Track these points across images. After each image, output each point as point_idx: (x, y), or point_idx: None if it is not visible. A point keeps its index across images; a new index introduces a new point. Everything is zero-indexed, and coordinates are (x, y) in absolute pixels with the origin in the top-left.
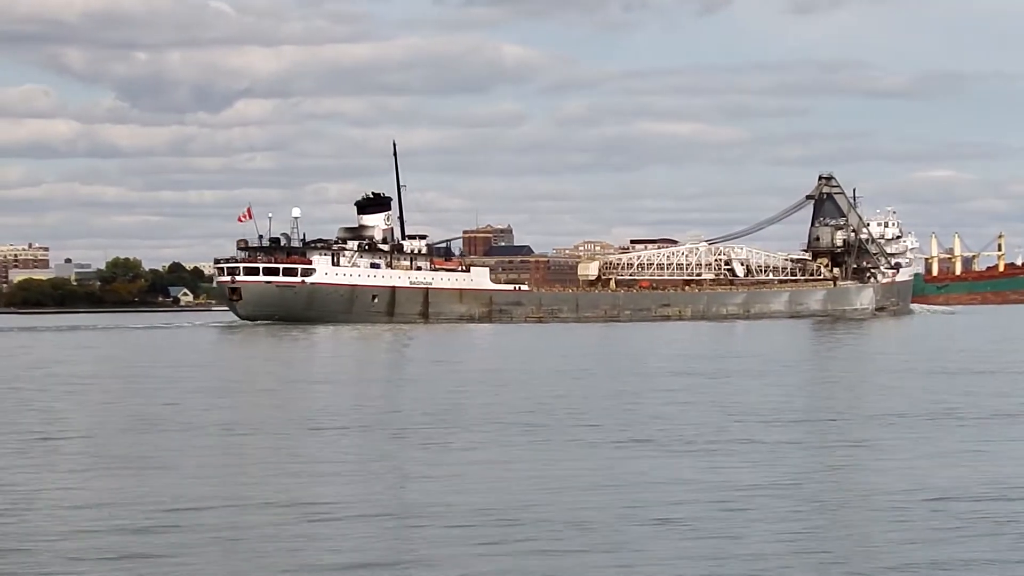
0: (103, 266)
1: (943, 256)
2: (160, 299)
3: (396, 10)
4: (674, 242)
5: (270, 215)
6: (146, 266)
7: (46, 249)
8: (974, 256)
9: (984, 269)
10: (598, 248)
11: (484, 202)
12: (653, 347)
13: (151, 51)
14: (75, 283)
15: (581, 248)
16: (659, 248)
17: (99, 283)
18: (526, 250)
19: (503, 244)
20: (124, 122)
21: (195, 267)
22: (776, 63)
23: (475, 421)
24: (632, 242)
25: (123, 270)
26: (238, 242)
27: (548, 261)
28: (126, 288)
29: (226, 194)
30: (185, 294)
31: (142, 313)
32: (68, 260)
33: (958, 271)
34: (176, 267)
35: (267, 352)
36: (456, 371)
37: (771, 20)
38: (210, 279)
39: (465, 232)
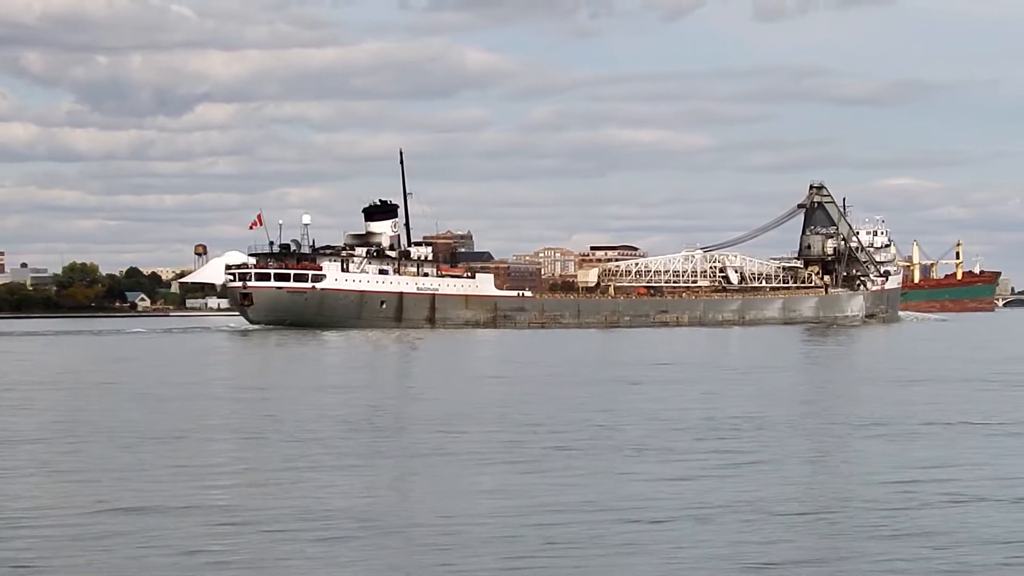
0: (60, 271)
1: (902, 264)
2: (117, 304)
3: (362, 15)
4: (635, 249)
5: (280, 222)
6: (103, 271)
7: (1, 254)
8: (932, 264)
9: (943, 277)
10: (559, 255)
11: (449, 207)
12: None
13: (111, 54)
14: (31, 288)
15: (541, 254)
16: (621, 255)
17: (55, 288)
18: (486, 256)
19: (463, 250)
20: (83, 126)
21: (152, 272)
22: (743, 70)
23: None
24: (592, 248)
25: (80, 275)
26: (196, 247)
27: (508, 267)
28: (83, 293)
29: (186, 199)
30: (142, 299)
31: (100, 318)
32: (24, 265)
33: (916, 279)
34: (133, 272)
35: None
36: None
37: (738, 27)
38: (168, 284)
39: (425, 238)
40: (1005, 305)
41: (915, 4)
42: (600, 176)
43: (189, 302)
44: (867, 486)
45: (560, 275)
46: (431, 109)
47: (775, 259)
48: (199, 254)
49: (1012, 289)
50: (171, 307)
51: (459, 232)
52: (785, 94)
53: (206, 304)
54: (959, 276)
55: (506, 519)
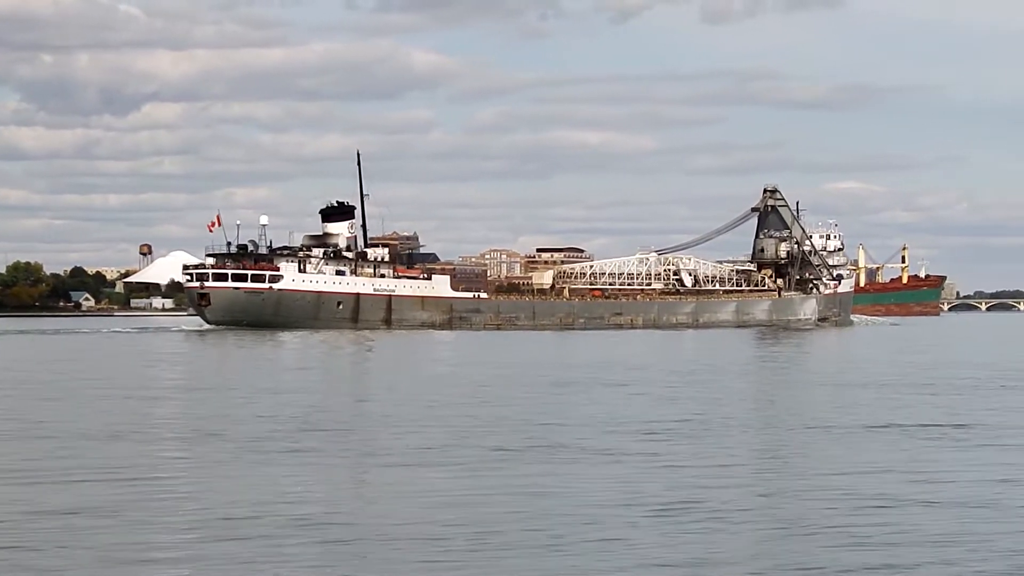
0: (3, 270)
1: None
2: (61, 304)
3: (310, 16)
4: (581, 251)
5: (238, 222)
6: (48, 270)
7: None
8: (878, 268)
9: (888, 281)
10: (504, 256)
11: (395, 209)
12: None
13: (58, 53)
14: None
15: (487, 256)
16: (568, 257)
17: None
18: (432, 257)
19: (409, 251)
20: (29, 124)
21: (97, 271)
22: (690, 73)
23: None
24: (539, 250)
25: (24, 274)
26: (141, 247)
27: (455, 269)
28: (27, 292)
29: (131, 198)
30: (87, 299)
31: (45, 317)
32: None
33: (862, 283)
34: (78, 271)
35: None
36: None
37: (686, 30)
38: (112, 284)
39: (372, 239)
40: (950, 309)
41: (863, 8)
42: (546, 178)
43: (134, 302)
44: (806, 487)
45: (506, 277)
46: (378, 110)
47: (728, 262)
48: (144, 254)
49: (957, 293)
50: (115, 307)
51: (405, 233)
52: (732, 97)
53: (151, 304)
54: (905, 280)
55: (437, 519)
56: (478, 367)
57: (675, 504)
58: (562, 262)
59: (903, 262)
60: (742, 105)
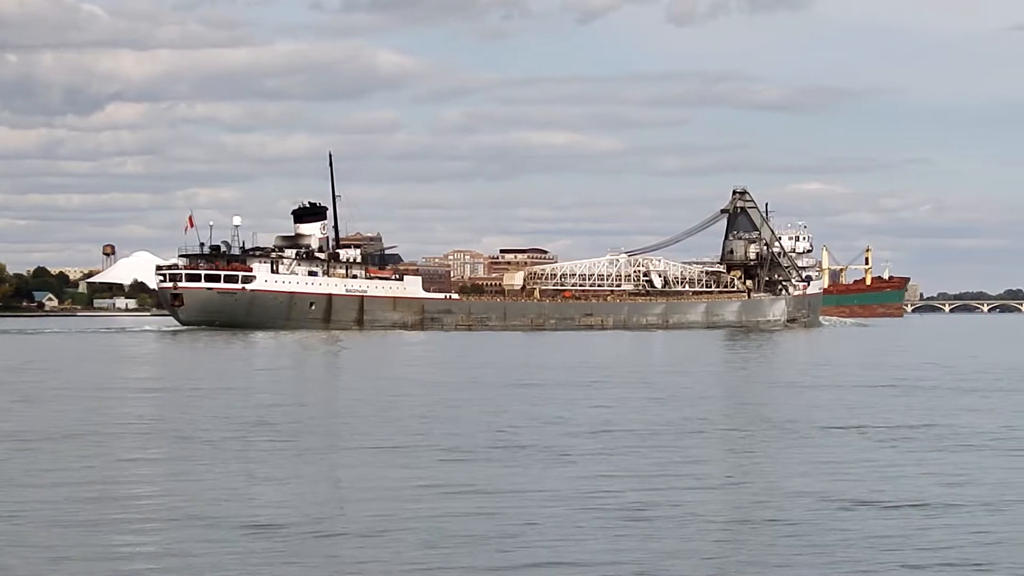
0: None
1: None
2: (24, 304)
3: (274, 16)
4: (544, 252)
5: (211, 223)
6: (11, 270)
7: None
8: (842, 269)
9: (852, 283)
10: (468, 257)
11: (359, 209)
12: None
13: (22, 52)
14: None
15: (451, 257)
16: (531, 258)
17: None
18: (395, 259)
19: (381, 252)
20: None
21: (60, 272)
22: (655, 74)
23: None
24: (502, 251)
25: None
26: (104, 247)
27: (418, 270)
28: None
29: (94, 198)
30: (50, 299)
31: (8, 317)
32: None
33: (826, 284)
34: (41, 272)
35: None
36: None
37: (651, 31)
38: (76, 284)
39: (343, 239)
40: (914, 311)
41: (827, 11)
42: (511, 179)
43: (97, 302)
44: (764, 488)
45: (470, 278)
46: (342, 111)
47: (698, 263)
48: (108, 254)
49: (921, 295)
50: (79, 307)
51: (369, 234)
52: (697, 99)
53: (114, 304)
54: (868, 282)
55: (385, 517)
56: (448, 368)
57: (630, 505)
58: (526, 263)
59: (867, 264)
60: (707, 106)
